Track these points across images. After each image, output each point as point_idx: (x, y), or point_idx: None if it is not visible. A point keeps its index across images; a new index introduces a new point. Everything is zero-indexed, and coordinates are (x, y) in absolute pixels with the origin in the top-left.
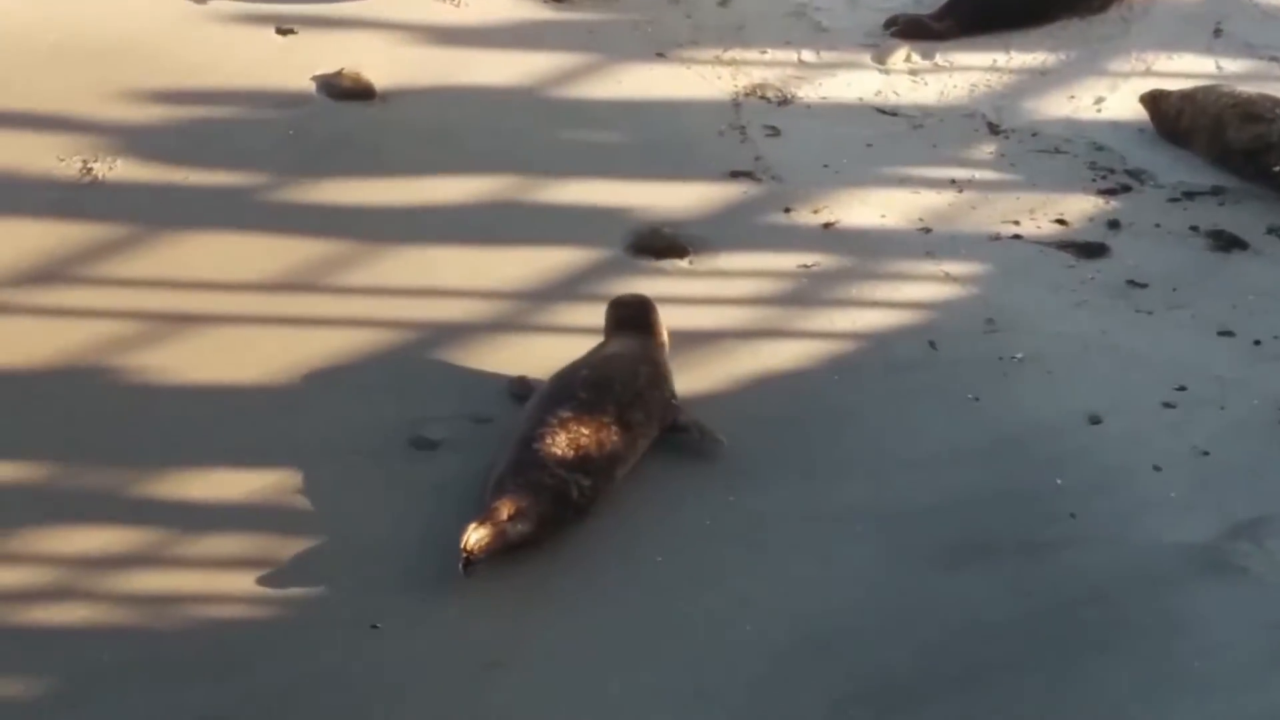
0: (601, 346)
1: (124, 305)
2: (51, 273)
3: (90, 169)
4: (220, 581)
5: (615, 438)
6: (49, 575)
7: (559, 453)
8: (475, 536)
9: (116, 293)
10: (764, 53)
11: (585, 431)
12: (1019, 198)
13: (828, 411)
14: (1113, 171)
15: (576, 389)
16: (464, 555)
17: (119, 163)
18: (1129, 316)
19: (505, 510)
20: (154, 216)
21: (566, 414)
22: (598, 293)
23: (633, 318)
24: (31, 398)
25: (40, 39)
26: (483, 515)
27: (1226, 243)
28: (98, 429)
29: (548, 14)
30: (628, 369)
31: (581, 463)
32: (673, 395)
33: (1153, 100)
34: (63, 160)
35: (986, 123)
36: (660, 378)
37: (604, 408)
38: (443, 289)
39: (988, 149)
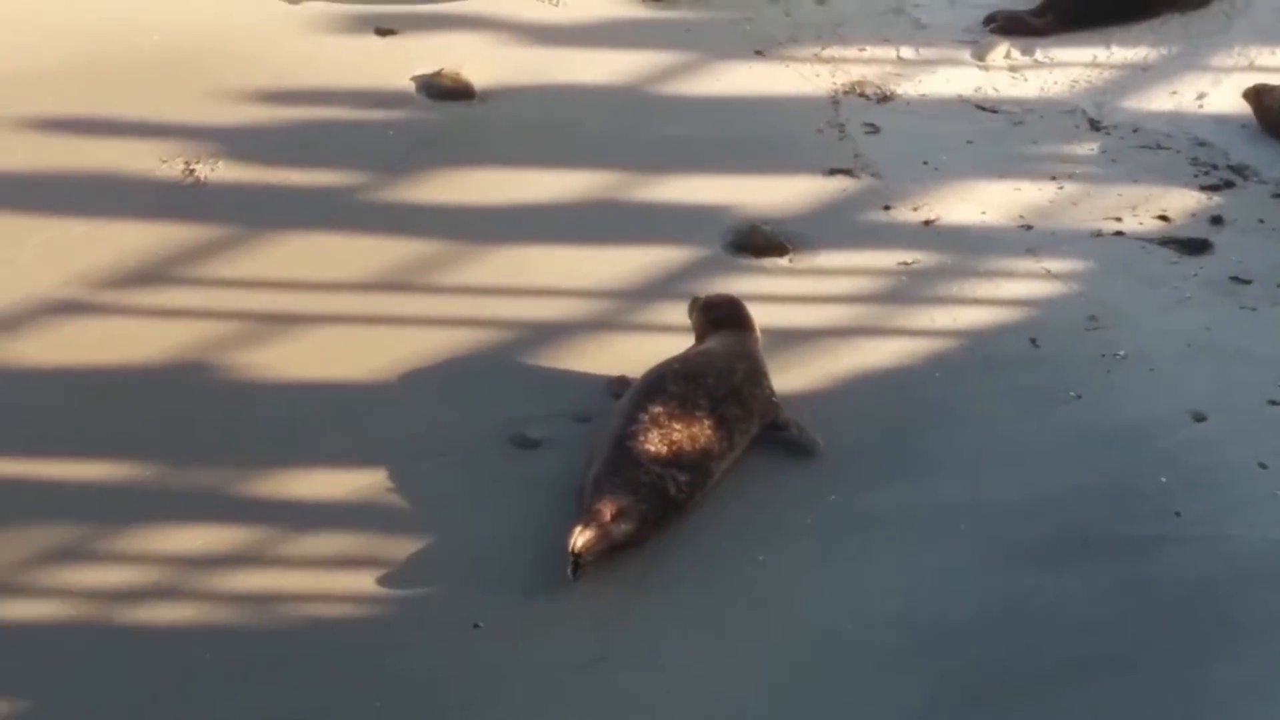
0: (696, 345)
1: (226, 305)
2: (154, 273)
3: (192, 170)
4: (322, 581)
5: (709, 431)
6: (152, 574)
7: (653, 449)
8: (582, 539)
9: (218, 293)
10: (862, 50)
11: (678, 426)
12: (1121, 194)
13: (928, 409)
14: (1215, 167)
15: (668, 383)
16: (572, 558)
17: (220, 164)
18: (1233, 313)
19: (608, 511)
20: (255, 217)
21: (658, 409)
22: (698, 292)
23: (728, 316)
24: (134, 398)
25: (141, 41)
26: (586, 517)
27: None
28: (200, 429)
29: (646, 12)
30: (724, 364)
31: (676, 458)
32: (772, 393)
33: (1256, 95)
34: (165, 162)
35: (1087, 119)
36: (760, 374)
37: (696, 401)
38: (542, 288)
39: (1089, 145)
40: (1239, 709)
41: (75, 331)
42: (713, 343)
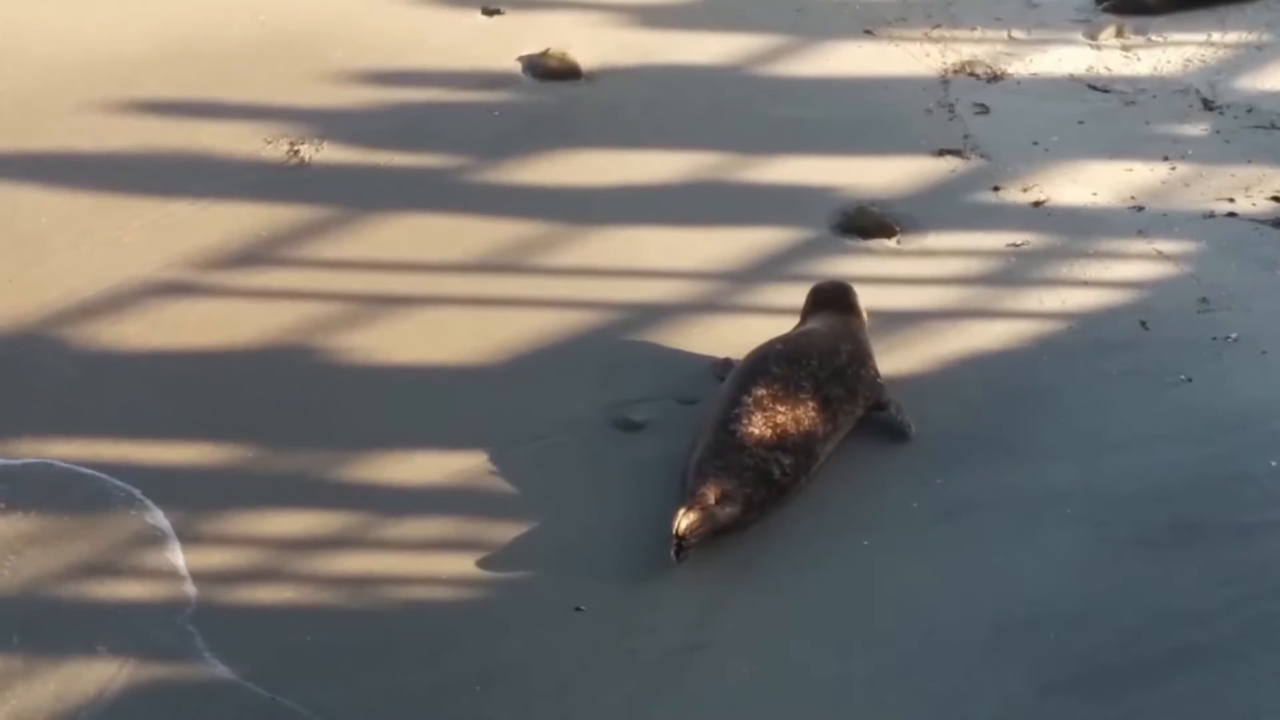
0: (800, 325)
1: (329, 286)
2: (258, 255)
3: (297, 151)
4: (423, 564)
5: (813, 413)
6: (253, 556)
7: (756, 432)
8: (685, 521)
9: (322, 274)
10: (973, 29)
11: (781, 409)
12: (1234, 174)
13: (1036, 393)
14: None
15: (771, 364)
16: (675, 541)
17: (325, 145)
18: None
19: (712, 494)
20: (359, 198)
21: (761, 391)
22: (805, 273)
23: (833, 300)
24: (236, 379)
25: (246, 23)
26: (690, 500)
27: None
28: (302, 410)
29: None
30: (828, 345)
31: (780, 440)
32: (877, 374)
33: None
34: (270, 143)
35: (1200, 98)
36: (864, 356)
37: (800, 383)
38: (647, 269)
39: (1202, 125)
40: None
41: (178, 313)
42: (815, 324)
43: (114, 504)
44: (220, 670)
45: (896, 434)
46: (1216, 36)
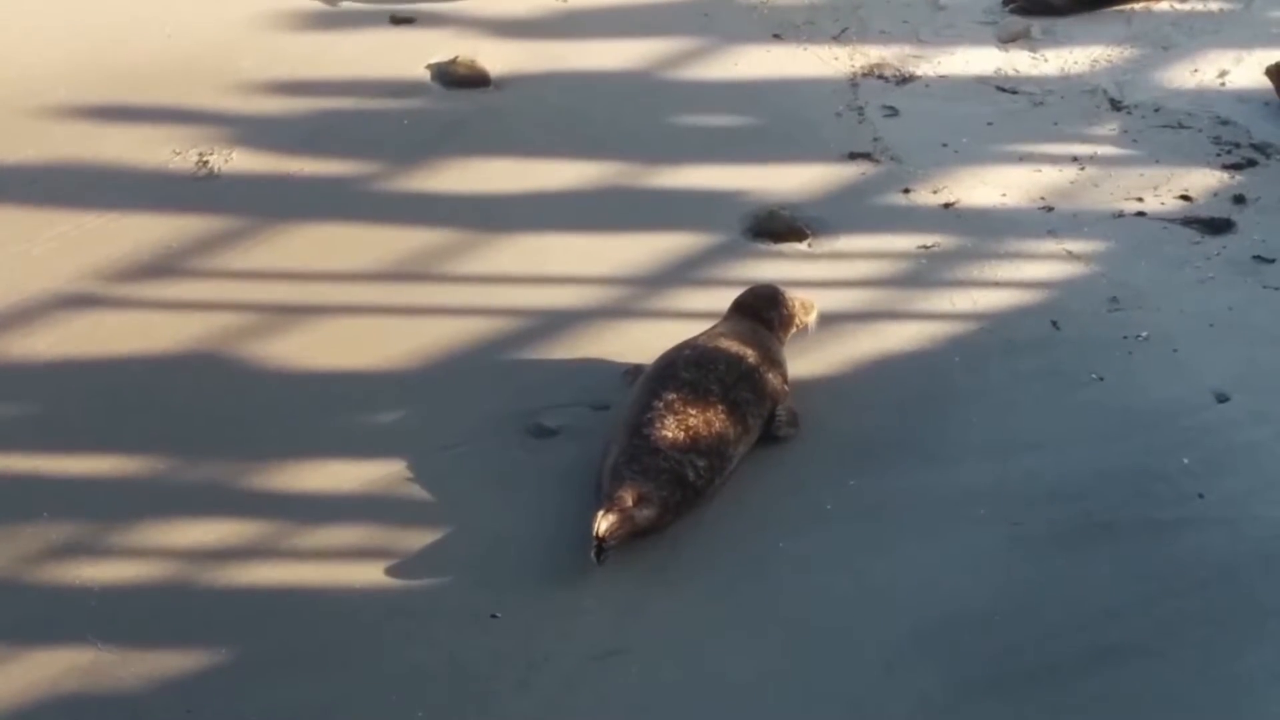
0: (711, 329)
1: (240, 297)
2: (168, 266)
3: (206, 162)
4: (338, 573)
5: (723, 416)
6: (166, 568)
7: (670, 435)
8: (605, 523)
9: (233, 284)
10: (881, 32)
11: (692, 412)
12: (1142, 174)
13: (949, 393)
14: (1238, 146)
15: (680, 369)
16: (596, 543)
17: (235, 155)
18: (1256, 293)
19: (629, 497)
20: (270, 208)
21: (672, 395)
22: (717, 277)
23: (747, 307)
24: (148, 391)
25: (154, 34)
26: (608, 503)
27: None
28: (215, 421)
29: None
30: (734, 349)
31: (693, 443)
32: (784, 380)
33: (1278, 72)
34: (178, 154)
35: (1108, 99)
36: (772, 361)
37: (708, 387)
38: (560, 276)
39: (1110, 125)
40: (1269, 693)
41: (89, 325)
42: (726, 327)
43: (22, 516)
44: (133, 686)
45: (772, 436)
46: (1123, 36)
